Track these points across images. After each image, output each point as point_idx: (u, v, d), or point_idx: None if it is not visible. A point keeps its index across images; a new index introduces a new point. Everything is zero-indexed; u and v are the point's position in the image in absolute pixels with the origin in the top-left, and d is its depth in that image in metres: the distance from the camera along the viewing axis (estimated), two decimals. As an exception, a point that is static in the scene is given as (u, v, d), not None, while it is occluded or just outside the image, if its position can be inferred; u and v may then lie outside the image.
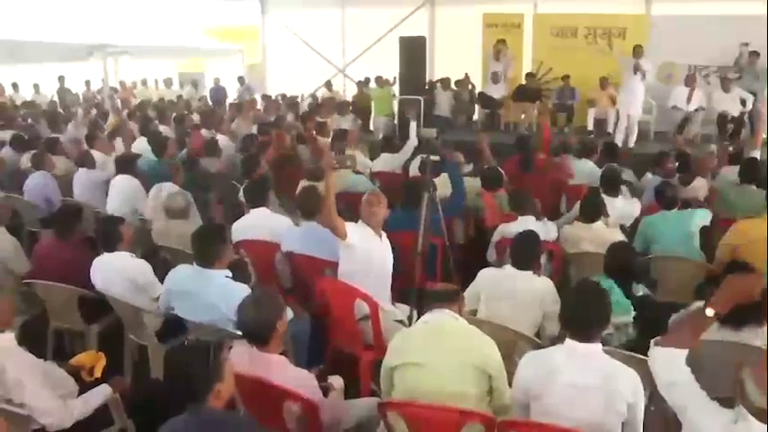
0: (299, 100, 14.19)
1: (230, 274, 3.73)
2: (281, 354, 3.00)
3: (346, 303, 3.92)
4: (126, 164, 6.41)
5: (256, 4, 16.99)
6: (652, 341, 2.59)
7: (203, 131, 9.29)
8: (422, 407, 2.78)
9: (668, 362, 2.49)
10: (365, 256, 4.04)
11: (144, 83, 17.02)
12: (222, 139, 8.43)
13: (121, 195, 6.15)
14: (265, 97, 14.36)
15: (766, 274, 3.33)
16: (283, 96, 14.14)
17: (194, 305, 3.66)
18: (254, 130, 9.29)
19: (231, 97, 15.30)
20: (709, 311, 2.44)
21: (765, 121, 10.01)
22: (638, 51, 9.97)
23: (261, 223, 4.87)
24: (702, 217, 5.09)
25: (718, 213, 5.48)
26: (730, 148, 8.06)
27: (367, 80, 14.25)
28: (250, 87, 15.52)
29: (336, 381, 3.20)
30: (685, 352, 2.51)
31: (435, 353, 2.83)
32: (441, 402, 2.76)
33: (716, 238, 4.91)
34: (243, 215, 5.15)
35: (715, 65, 11.79)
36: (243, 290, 3.60)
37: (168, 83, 16.58)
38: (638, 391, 2.64)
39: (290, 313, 3.31)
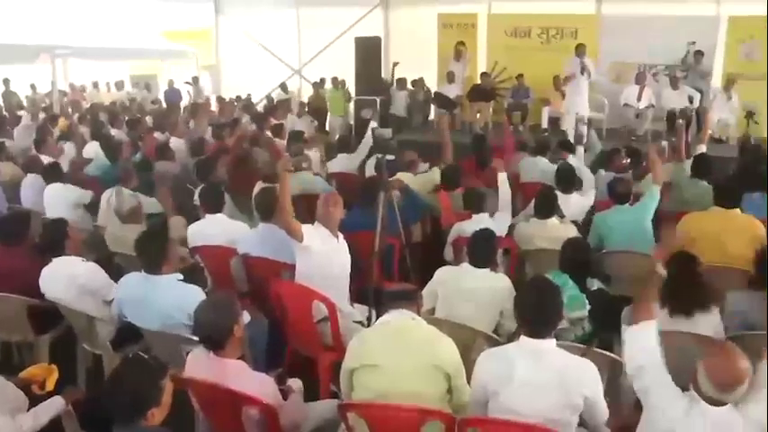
0: (254, 101, 14.07)
1: (181, 277, 3.67)
2: (239, 358, 2.97)
3: (303, 305, 3.90)
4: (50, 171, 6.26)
5: (210, 5, 16.79)
6: (622, 317, 2.66)
7: (157, 134, 9.14)
8: (381, 407, 2.78)
9: (639, 344, 2.58)
10: (322, 257, 4.02)
11: (95, 85, 16.65)
12: (176, 142, 8.31)
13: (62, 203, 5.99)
14: (220, 99, 14.21)
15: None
16: (238, 98, 14.02)
17: (146, 312, 3.59)
18: (209, 132, 9.18)
19: (186, 99, 15.09)
20: (660, 268, 2.51)
21: (711, 118, 10.35)
22: (581, 50, 10.11)
23: (217, 228, 4.81)
24: (652, 197, 5.19)
25: (669, 207, 5.63)
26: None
27: (322, 81, 14.22)
28: (201, 89, 15.32)
29: (295, 383, 3.19)
30: (654, 328, 2.57)
31: (393, 354, 2.83)
32: (400, 403, 2.76)
33: (667, 230, 5.02)
34: (197, 218, 5.08)
35: (663, 64, 12.10)
36: (196, 292, 3.56)
37: (120, 85, 16.26)
38: (595, 383, 2.69)
39: (246, 317, 3.28)
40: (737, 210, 4.90)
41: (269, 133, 8.97)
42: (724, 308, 3.69)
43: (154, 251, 3.66)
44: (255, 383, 2.85)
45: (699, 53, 11.50)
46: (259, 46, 15.97)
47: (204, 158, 6.80)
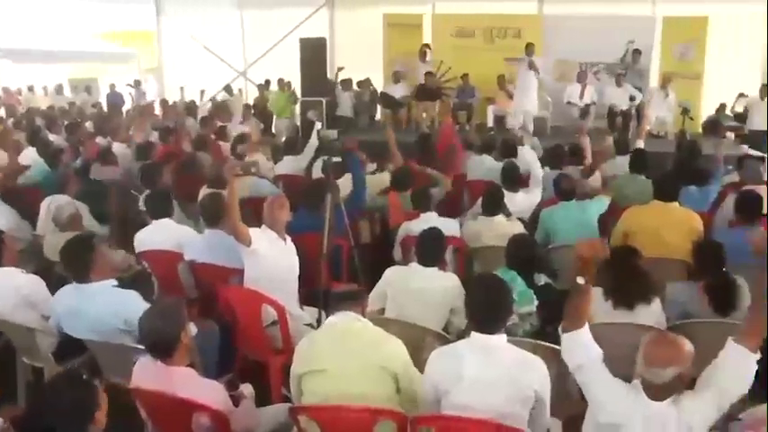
0: (198, 104, 13.84)
1: (115, 283, 3.59)
2: (188, 365, 2.92)
3: (252, 310, 3.87)
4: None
5: (151, 6, 16.44)
6: (560, 328, 2.73)
7: (98, 139, 8.91)
8: (333, 408, 2.78)
9: (574, 347, 2.64)
10: (270, 260, 4.00)
11: (31, 89, 16.10)
12: (119, 147, 8.11)
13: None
14: (163, 102, 13.94)
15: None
16: (182, 101, 13.77)
17: (80, 322, 3.49)
18: (153, 136, 8.99)
19: (127, 103, 14.75)
20: (580, 279, 2.60)
21: (649, 115, 10.68)
22: (530, 49, 10.32)
23: (164, 234, 4.72)
24: (599, 205, 5.33)
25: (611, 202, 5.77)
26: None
27: (267, 83, 14.09)
28: (144, 92, 15.01)
29: (246, 389, 3.16)
30: (587, 332, 2.65)
31: (340, 357, 2.82)
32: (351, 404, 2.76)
33: (610, 225, 5.16)
34: (144, 225, 4.98)
35: (603, 62, 12.41)
36: (132, 297, 3.49)
37: (58, 89, 15.78)
38: (544, 378, 2.74)
39: (193, 329, 3.22)
40: (676, 203, 5.06)
41: (213, 136, 8.83)
42: (665, 298, 3.80)
43: (78, 259, 3.55)
44: (205, 390, 2.81)
45: (637, 52, 11.85)
46: (203, 48, 15.71)
47: (150, 163, 6.66)
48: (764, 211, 4.88)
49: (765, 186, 5.84)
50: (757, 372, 3.74)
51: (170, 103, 13.78)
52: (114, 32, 17.49)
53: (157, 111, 13.05)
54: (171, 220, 4.89)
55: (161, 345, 2.78)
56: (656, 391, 2.45)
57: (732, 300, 3.69)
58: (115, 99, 14.93)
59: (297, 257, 4.20)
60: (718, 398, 2.48)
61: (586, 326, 2.67)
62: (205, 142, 8.27)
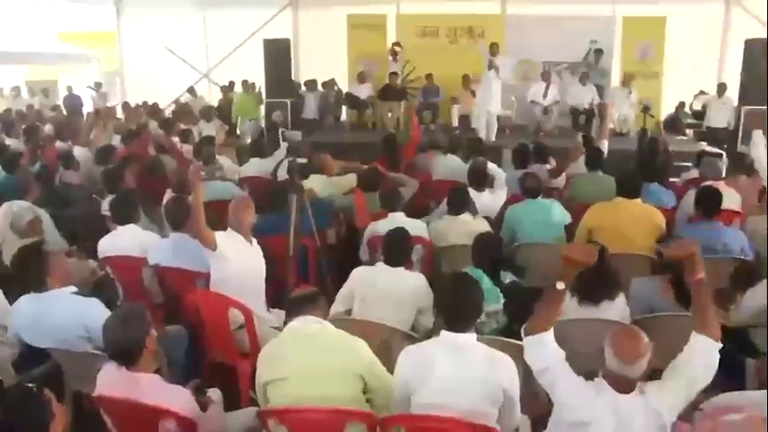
0: (161, 107, 13.64)
1: (75, 290, 3.52)
2: (155, 371, 2.88)
3: (219, 314, 3.83)
4: None
5: (111, 7, 16.15)
6: (522, 329, 2.75)
7: (58, 143, 8.73)
8: (301, 411, 2.76)
9: (538, 350, 2.67)
10: (236, 264, 3.96)
11: (-16, 91, 15.74)
12: (80, 151, 7.96)
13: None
14: (125, 105, 13.71)
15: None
16: (144, 104, 13.54)
17: (40, 332, 3.40)
18: (115, 140, 8.85)
19: (88, 106, 14.45)
20: (560, 285, 2.60)
21: (612, 113, 10.85)
22: (493, 49, 10.39)
23: (128, 239, 4.64)
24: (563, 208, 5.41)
25: (572, 200, 5.86)
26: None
27: (231, 84, 13.96)
28: (106, 94, 14.74)
29: (214, 393, 3.13)
30: (551, 334, 2.68)
31: (304, 363, 2.80)
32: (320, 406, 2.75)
33: (575, 222, 5.23)
34: (107, 230, 4.89)
35: (566, 62, 12.59)
36: (93, 303, 3.43)
37: (15, 92, 15.41)
38: (514, 376, 2.76)
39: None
40: (638, 200, 5.15)
41: (177, 139, 8.72)
42: (629, 294, 3.86)
43: (30, 269, 3.47)
44: (171, 396, 2.77)
45: (599, 51, 12.05)
46: (165, 49, 15.50)
47: (113, 167, 6.55)
48: (723, 207, 5.00)
49: (724, 182, 5.99)
50: (721, 364, 3.85)
51: (132, 105, 13.55)
52: (73, 33, 17.11)
53: (119, 114, 12.82)
54: (135, 224, 4.81)
55: (125, 351, 2.73)
56: (621, 385, 2.50)
57: (695, 293, 3.76)
58: (73, 102, 14.59)
59: (263, 260, 4.17)
60: (686, 388, 2.55)
61: (551, 331, 2.70)
62: (168, 145, 8.17)
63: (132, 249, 4.55)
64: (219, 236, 3.95)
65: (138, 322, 2.77)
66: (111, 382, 2.77)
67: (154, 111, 12.67)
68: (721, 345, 2.61)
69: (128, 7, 16.09)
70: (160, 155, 7.60)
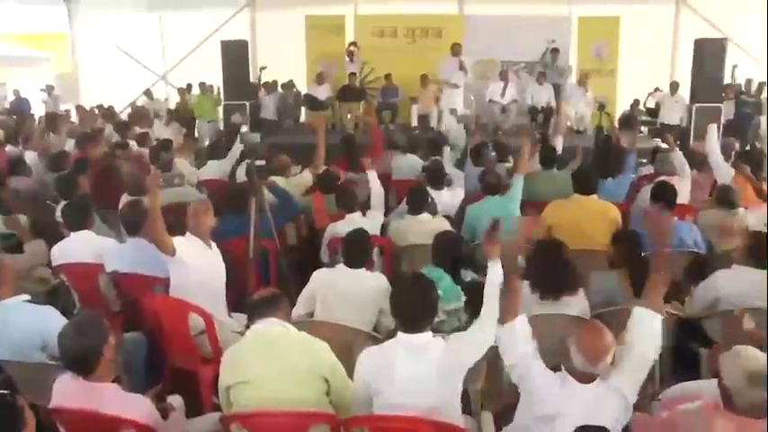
0: (117, 110, 13.39)
1: (27, 298, 3.43)
2: (114, 380, 2.82)
3: (179, 319, 3.77)
4: None
5: (63, 8, 15.75)
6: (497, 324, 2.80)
7: (9, 148, 8.50)
8: (264, 415, 2.75)
9: (511, 341, 2.72)
10: (196, 268, 3.90)
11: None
12: (32, 156, 7.76)
13: None
14: (80, 109, 13.39)
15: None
16: (100, 107, 13.26)
17: None
18: (69, 144, 8.65)
19: (37, 109, 14.06)
20: (520, 259, 2.66)
21: (569, 111, 11.02)
22: (457, 50, 10.46)
23: (84, 245, 4.53)
24: (517, 185, 5.43)
25: (532, 197, 5.93)
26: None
27: (189, 87, 13.78)
28: (59, 97, 14.39)
29: (176, 400, 3.09)
30: (523, 323, 2.70)
31: (266, 365, 2.78)
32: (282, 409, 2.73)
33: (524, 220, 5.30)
34: (61, 237, 4.77)
35: (523, 61, 12.74)
36: (47, 312, 3.35)
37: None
38: (473, 353, 2.81)
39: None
40: (595, 196, 5.24)
41: (134, 143, 8.57)
42: (588, 288, 3.93)
43: None
44: (130, 405, 2.72)
45: (555, 51, 12.22)
46: (120, 51, 15.21)
47: (66, 173, 6.40)
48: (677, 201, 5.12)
49: (677, 177, 6.12)
50: (674, 354, 3.95)
51: (87, 108, 13.26)
52: (21, 35, 16.58)
53: (74, 117, 12.53)
54: (90, 231, 4.70)
55: (82, 361, 2.67)
56: (583, 376, 2.55)
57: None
58: (22, 105, 14.19)
59: (223, 263, 4.12)
60: (640, 363, 2.65)
61: (524, 319, 2.73)
62: (125, 149, 8.01)
63: (87, 256, 4.45)
64: (178, 241, 3.89)
65: (94, 330, 2.71)
66: (68, 392, 2.71)
67: (109, 114, 12.43)
68: (662, 317, 2.74)
69: (80, 8, 15.71)
70: (116, 159, 7.45)
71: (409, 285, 2.92)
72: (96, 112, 12.84)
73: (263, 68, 12.75)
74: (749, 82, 12.67)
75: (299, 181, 6.24)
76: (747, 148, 10.21)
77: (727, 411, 2.41)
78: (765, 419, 2.36)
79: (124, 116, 12.97)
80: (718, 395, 2.50)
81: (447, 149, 6.47)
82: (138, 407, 2.73)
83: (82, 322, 2.78)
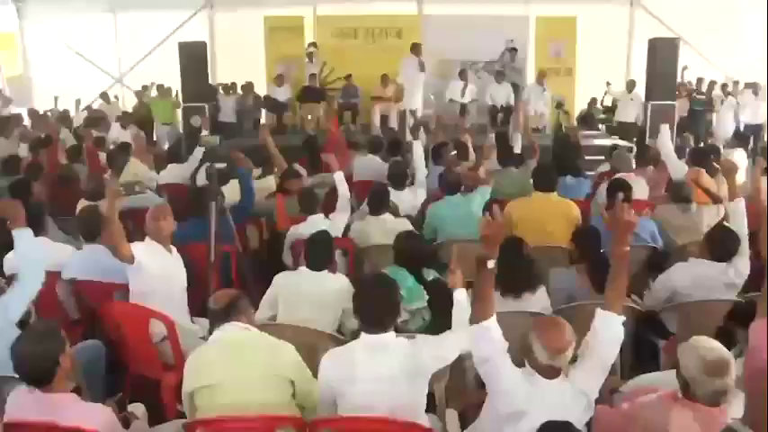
0: (72, 114, 13.08)
1: None
2: (73, 390, 2.77)
3: (140, 326, 3.71)
4: None
5: (11, 8, 15.29)
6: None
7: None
8: (228, 420, 2.72)
9: (483, 339, 2.71)
10: (156, 274, 3.85)
11: None
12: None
13: None
14: (32, 112, 13.06)
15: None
16: (53, 110, 12.94)
17: None
18: (22, 149, 8.44)
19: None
20: (491, 263, 2.65)
21: (527, 110, 11.15)
22: (417, 49, 10.48)
23: (38, 253, 4.41)
24: (483, 194, 5.49)
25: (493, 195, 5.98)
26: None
27: (144, 89, 13.55)
28: (10, 100, 13.98)
29: (138, 409, 3.05)
30: (494, 321, 2.72)
31: (231, 369, 2.76)
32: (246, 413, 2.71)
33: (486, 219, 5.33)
34: (12, 246, 4.63)
35: (482, 60, 12.85)
36: None
37: None
38: (435, 355, 2.84)
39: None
40: (554, 193, 5.31)
41: (90, 146, 8.40)
42: (549, 284, 3.98)
43: None
44: (90, 415, 2.66)
45: (513, 50, 12.37)
46: (74, 53, 14.86)
47: (19, 178, 6.24)
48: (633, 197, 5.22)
49: (634, 174, 6.25)
50: (634, 347, 4.03)
51: (41, 112, 12.95)
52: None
53: (26, 121, 12.20)
54: (45, 237, 4.59)
55: (38, 372, 2.60)
56: (549, 373, 2.58)
57: (609, 281, 3.91)
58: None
59: (184, 269, 4.07)
60: (600, 364, 2.68)
61: (494, 317, 2.76)
62: (81, 153, 7.85)
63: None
64: (137, 247, 3.82)
65: (50, 340, 2.64)
66: (23, 405, 2.63)
67: (64, 118, 12.15)
68: (624, 318, 2.75)
69: (30, 7, 15.28)
70: (72, 163, 7.30)
71: (372, 285, 2.94)
72: (50, 115, 12.55)
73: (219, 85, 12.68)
74: (700, 81, 13.01)
75: (261, 185, 6.18)
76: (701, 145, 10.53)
77: (685, 401, 2.47)
78: (722, 408, 2.43)
79: (80, 120, 12.66)
80: (676, 385, 2.55)
81: (418, 143, 6.44)
82: (98, 417, 2.67)
83: (37, 332, 2.72)
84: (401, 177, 5.89)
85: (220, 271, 4.45)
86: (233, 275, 4.74)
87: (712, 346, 2.48)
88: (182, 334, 3.72)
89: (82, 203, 5.38)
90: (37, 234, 4.42)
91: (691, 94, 12.27)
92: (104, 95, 14.12)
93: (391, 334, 2.80)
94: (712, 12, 13.27)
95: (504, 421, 2.65)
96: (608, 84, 13.25)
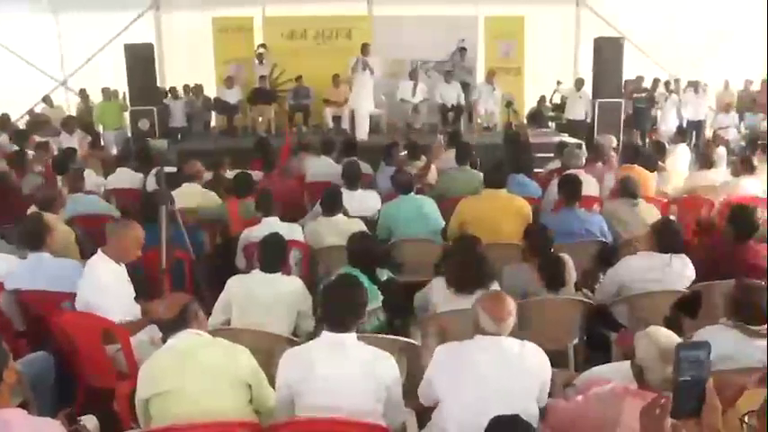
0: (12, 118, 12.63)
1: None
2: (20, 405, 2.68)
3: (91, 335, 3.62)
4: None
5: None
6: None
7: None
8: (185, 428, 2.67)
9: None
10: (107, 284, 3.75)
11: None
12: None
13: None
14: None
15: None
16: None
17: None
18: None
19: None
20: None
21: (479, 109, 11.28)
22: (365, 50, 10.48)
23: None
24: (433, 200, 5.55)
25: (444, 194, 6.03)
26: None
27: (83, 91, 13.19)
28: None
29: (90, 421, 2.96)
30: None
31: (186, 375, 2.72)
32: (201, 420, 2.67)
33: (446, 216, 5.39)
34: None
35: (433, 60, 12.93)
36: None
37: None
38: (395, 372, 2.83)
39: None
40: (504, 191, 5.38)
41: (32, 153, 8.15)
42: (502, 281, 4.03)
43: None
44: (38, 430, 2.57)
45: (463, 50, 12.48)
46: (13, 55, 14.37)
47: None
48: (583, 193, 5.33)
49: (583, 170, 6.39)
50: (586, 341, 4.11)
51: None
52: None
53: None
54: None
55: (-21, 389, 2.51)
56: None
57: (560, 276, 3.99)
58: None
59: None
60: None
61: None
62: (22, 159, 7.58)
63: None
64: (93, 264, 3.77)
65: (-8, 355, 2.56)
66: (-32, 424, 2.54)
67: (3, 122, 11.74)
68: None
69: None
70: (12, 169, 7.06)
71: (340, 285, 2.96)
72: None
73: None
74: (640, 79, 13.33)
75: (211, 194, 6.08)
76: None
77: (637, 391, 2.53)
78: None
79: (21, 125, 12.27)
80: (628, 376, 2.62)
81: None
82: (46, 431, 2.60)
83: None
84: (355, 177, 5.87)
85: (172, 277, 4.37)
86: (186, 282, 4.66)
87: (667, 335, 2.58)
88: (135, 343, 3.64)
89: (32, 211, 5.20)
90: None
91: (631, 94, 12.58)
92: (47, 99, 13.71)
93: (353, 335, 2.81)
94: (654, 12, 13.67)
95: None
96: (558, 82, 13.49)
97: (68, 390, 3.78)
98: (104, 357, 3.67)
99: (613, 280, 4.19)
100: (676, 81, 13.67)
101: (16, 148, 8.47)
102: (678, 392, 1.64)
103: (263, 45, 12.64)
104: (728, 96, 13.73)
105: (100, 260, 3.80)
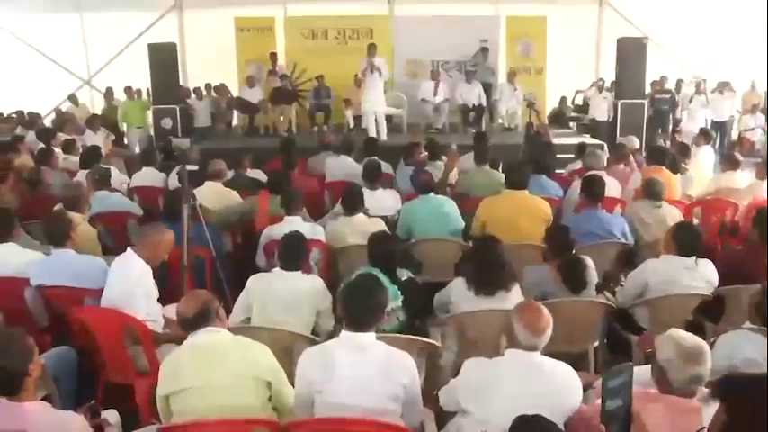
0: (40, 117, 12.82)
1: None
2: (44, 398, 2.71)
3: (113, 331, 3.66)
4: None
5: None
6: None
7: None
8: (203, 424, 2.69)
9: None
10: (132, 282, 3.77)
11: None
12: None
13: None
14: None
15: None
16: (19, 113, 12.67)
17: None
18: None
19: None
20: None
21: (500, 110, 11.23)
22: (371, 50, 10.36)
23: (5, 259, 4.32)
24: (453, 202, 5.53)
25: (464, 194, 6.01)
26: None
27: (109, 90, 13.35)
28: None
29: (111, 415, 2.98)
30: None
31: (207, 373, 2.74)
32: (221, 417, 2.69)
33: (467, 217, 5.37)
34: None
35: (454, 60, 12.91)
36: None
37: None
38: (413, 371, 2.81)
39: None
40: (526, 191, 5.35)
41: (59, 151, 8.25)
42: (523, 282, 4.01)
43: None
44: (61, 423, 2.60)
45: (485, 50, 12.42)
46: (40, 55, 14.57)
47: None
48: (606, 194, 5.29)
49: (605, 171, 6.33)
50: (607, 344, 4.07)
51: (4, 115, 12.70)
52: None
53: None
54: (14, 243, 4.49)
55: (5, 382, 2.53)
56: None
57: (582, 278, 3.96)
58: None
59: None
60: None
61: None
62: (50, 157, 7.68)
63: (9, 270, 4.24)
64: (120, 263, 3.80)
65: (17, 349, 2.57)
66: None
67: (30, 121, 11.92)
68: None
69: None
70: (41, 167, 7.15)
71: (361, 284, 2.94)
72: (15, 118, 12.31)
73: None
74: (664, 79, 13.19)
75: (233, 194, 6.09)
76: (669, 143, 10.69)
77: (657, 395, 2.50)
78: (696, 401, 2.47)
79: (48, 123, 12.43)
80: (649, 381, 2.59)
81: None
82: (69, 424, 2.62)
83: (4, 341, 2.65)
84: (375, 176, 5.87)
85: (194, 275, 4.40)
86: (207, 280, 4.69)
87: (690, 336, 2.56)
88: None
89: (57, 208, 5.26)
90: (4, 240, 4.37)
91: (653, 96, 12.43)
92: (73, 98, 13.89)
93: (372, 334, 2.81)
94: (678, 12, 13.53)
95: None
96: (577, 91, 13.40)
97: (90, 384, 3.82)
98: (125, 353, 3.70)
99: (636, 282, 4.14)
100: (703, 82, 13.52)
101: (42, 145, 8.58)
102: (607, 420, 1.67)
103: (273, 54, 12.69)
104: (755, 97, 13.54)
105: (132, 257, 3.83)
